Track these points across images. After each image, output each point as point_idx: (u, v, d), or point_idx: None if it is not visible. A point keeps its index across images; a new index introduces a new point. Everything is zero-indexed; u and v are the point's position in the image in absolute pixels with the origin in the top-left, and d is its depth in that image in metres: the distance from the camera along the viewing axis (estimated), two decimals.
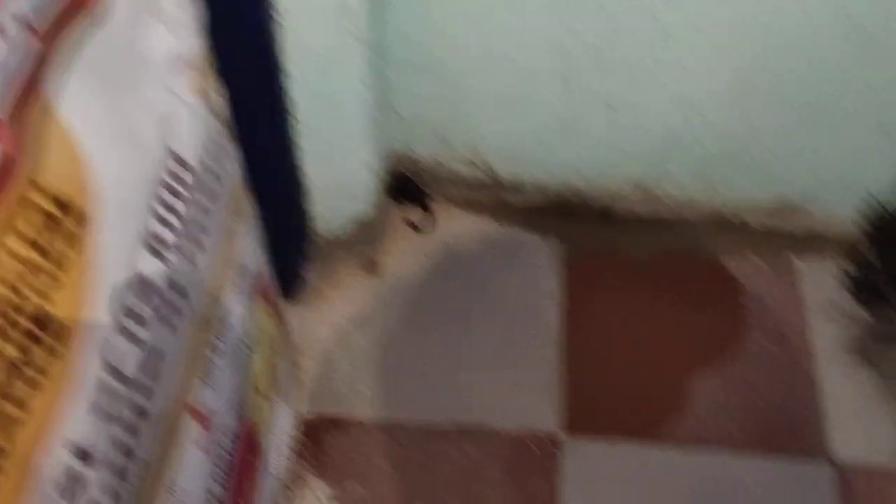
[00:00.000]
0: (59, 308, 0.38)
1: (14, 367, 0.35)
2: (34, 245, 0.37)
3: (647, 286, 1.13)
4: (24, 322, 0.36)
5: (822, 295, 1.12)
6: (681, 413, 1.02)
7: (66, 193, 0.39)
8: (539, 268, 1.14)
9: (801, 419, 1.02)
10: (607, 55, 0.93)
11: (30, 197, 0.36)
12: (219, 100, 0.61)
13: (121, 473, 0.48)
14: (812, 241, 1.17)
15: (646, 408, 1.03)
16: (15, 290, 0.35)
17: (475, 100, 1.01)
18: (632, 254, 1.16)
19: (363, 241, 1.08)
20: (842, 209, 1.11)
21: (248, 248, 0.76)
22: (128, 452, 0.49)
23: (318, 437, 0.99)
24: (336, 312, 1.08)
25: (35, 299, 0.36)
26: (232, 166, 0.66)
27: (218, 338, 0.68)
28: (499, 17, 0.89)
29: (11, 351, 0.35)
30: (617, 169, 1.10)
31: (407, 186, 1.15)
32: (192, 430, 0.63)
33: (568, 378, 1.04)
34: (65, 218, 0.39)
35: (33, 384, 0.37)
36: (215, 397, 0.67)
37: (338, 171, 0.94)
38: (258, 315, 0.82)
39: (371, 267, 1.11)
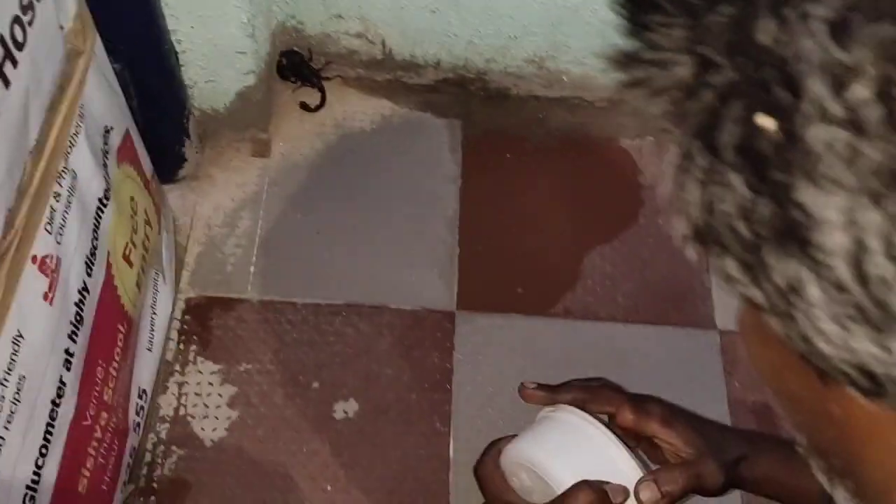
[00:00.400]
0: None
1: None
2: None
3: (544, 166, 1.11)
4: None
5: None
6: (573, 287, 1.03)
7: None
8: (436, 149, 1.11)
9: (688, 291, 1.04)
10: None
11: None
12: None
13: None
14: None
15: (539, 283, 1.03)
16: None
17: None
18: (530, 134, 1.14)
19: (251, 119, 1.03)
20: None
21: (98, 100, 0.70)
22: None
23: (203, 317, 0.95)
24: (222, 193, 1.03)
25: None
26: None
27: (63, 187, 0.63)
28: None
29: None
30: (515, 43, 1.07)
31: (297, 63, 1.09)
32: (33, 278, 0.58)
33: (463, 256, 1.03)
34: None
35: None
36: (59, 248, 0.62)
37: (211, 34, 0.87)
38: (120, 179, 0.76)
39: (260, 147, 1.06)
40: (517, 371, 0.96)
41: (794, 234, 0.22)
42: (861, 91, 0.21)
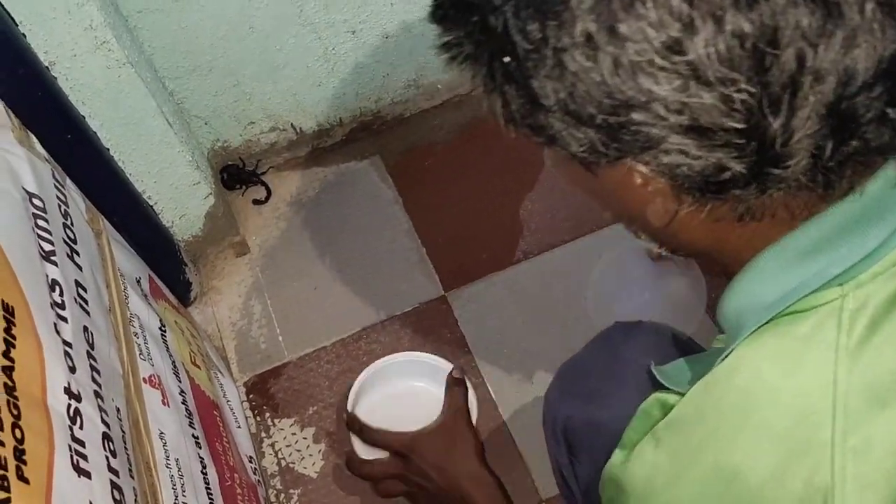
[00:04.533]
0: (3, 294, 0.55)
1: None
2: None
3: (457, 158, 1.35)
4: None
5: None
6: (522, 234, 1.27)
7: None
8: (371, 185, 1.34)
9: None
10: None
11: None
12: (40, 147, 0.76)
13: (104, 413, 0.65)
14: None
15: (496, 243, 1.26)
16: None
17: (248, 76, 1.18)
18: (435, 139, 1.38)
19: (223, 231, 1.24)
20: None
21: (124, 260, 0.91)
22: (99, 396, 0.65)
23: (262, 390, 1.16)
24: (229, 295, 1.25)
25: None
26: (73, 194, 0.81)
27: (136, 328, 0.84)
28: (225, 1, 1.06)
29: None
30: (390, 79, 1.31)
31: (235, 172, 1.31)
32: (150, 392, 0.79)
33: (430, 252, 1.26)
34: None
35: (11, 345, 0.54)
36: (155, 367, 0.84)
37: (170, 182, 1.09)
38: (161, 311, 0.97)
39: (239, 248, 1.28)
40: (512, 313, 1.19)
41: (537, 102, 0.41)
42: None
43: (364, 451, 0.84)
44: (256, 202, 1.32)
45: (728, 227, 0.45)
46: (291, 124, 1.30)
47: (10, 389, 0.51)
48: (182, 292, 1.19)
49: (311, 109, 1.30)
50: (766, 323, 0.44)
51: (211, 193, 1.17)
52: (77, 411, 0.59)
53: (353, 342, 1.19)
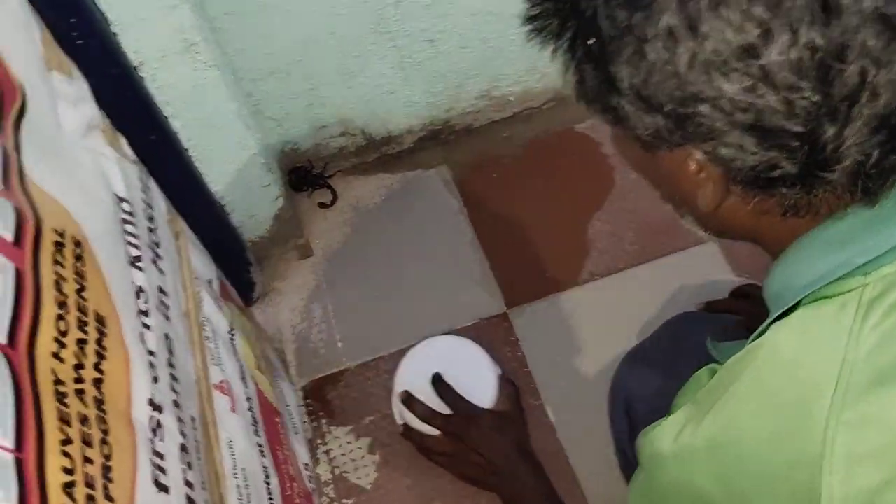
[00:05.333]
0: (96, 305, 0.55)
1: (87, 346, 0.52)
2: (59, 263, 0.53)
3: (525, 172, 1.33)
4: (92, 321, 0.52)
5: None
6: (588, 254, 1.24)
7: (62, 227, 0.55)
8: (437, 194, 1.33)
9: (676, 220, 1.25)
10: (408, 0, 1.11)
11: (43, 233, 0.52)
12: (128, 149, 0.77)
13: (182, 424, 0.65)
14: None
15: (561, 262, 1.24)
16: (70, 295, 0.51)
17: (324, 81, 1.18)
18: (503, 152, 1.36)
19: (289, 232, 1.25)
20: None
21: (198, 261, 0.92)
22: (178, 405, 0.65)
23: (320, 396, 1.16)
24: (291, 298, 1.25)
25: (82, 301, 0.53)
26: (156, 196, 0.82)
27: (208, 331, 0.85)
28: (308, 4, 1.06)
29: (91, 339, 0.51)
30: (463, 89, 1.29)
31: (304, 175, 1.31)
32: (220, 399, 0.79)
33: (494, 266, 1.24)
34: (67, 243, 0.55)
35: (102, 357, 0.54)
36: (225, 373, 0.84)
37: (243, 183, 1.10)
38: (230, 313, 0.98)
39: (303, 251, 1.28)
40: (575, 335, 1.17)
41: (613, 85, 0.46)
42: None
43: (417, 423, 0.94)
44: (322, 205, 1.32)
45: (771, 219, 0.49)
46: (362, 130, 1.30)
47: (99, 403, 0.51)
48: (246, 292, 1.19)
49: (383, 116, 1.29)
50: (797, 304, 0.48)
51: (281, 195, 1.18)
52: (158, 423, 0.59)
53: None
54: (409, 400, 0.90)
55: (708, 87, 0.42)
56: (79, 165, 0.64)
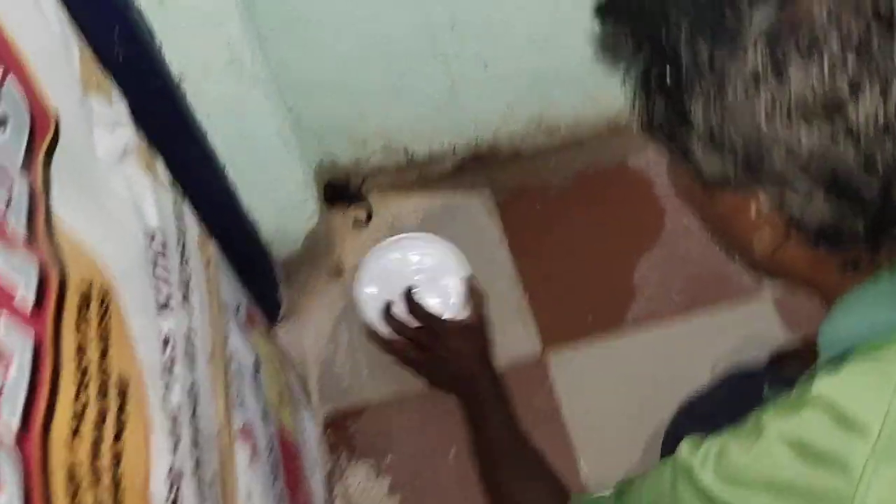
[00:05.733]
0: (120, 369, 0.49)
1: (107, 418, 0.46)
2: (84, 322, 0.47)
3: (571, 205, 1.27)
4: (113, 389, 0.47)
5: None
6: (634, 299, 1.17)
7: (88, 280, 0.49)
8: (476, 220, 1.27)
9: (728, 270, 1.18)
10: (464, 23, 1.04)
11: (68, 290, 0.47)
12: (162, 169, 0.71)
13: (201, 484, 0.59)
14: None
15: (603, 306, 1.17)
16: (93, 362, 0.46)
17: (370, 98, 1.12)
18: (549, 181, 1.29)
19: (321, 250, 1.19)
20: None
21: (226, 288, 0.86)
22: (198, 466, 0.60)
23: (341, 428, 1.11)
24: (317, 319, 1.19)
25: (105, 366, 0.47)
26: (189, 221, 0.77)
27: (233, 369, 0.79)
28: (360, 17, 1.00)
29: (111, 411, 0.46)
30: (513, 112, 1.23)
31: (340, 190, 1.26)
32: (241, 449, 0.74)
33: (532, 304, 1.18)
34: (94, 297, 0.50)
35: (121, 429, 0.48)
36: (247, 415, 0.78)
37: (277, 200, 1.04)
38: (255, 341, 0.92)
39: (334, 270, 1.23)
40: (613, 385, 1.11)
41: (685, 119, 0.44)
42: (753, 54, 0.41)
43: (380, 326, 0.94)
44: (357, 223, 1.26)
45: (828, 268, 0.48)
46: (404, 148, 1.24)
47: (116, 486, 0.45)
48: (271, 312, 1.14)
49: (426, 135, 1.23)
50: (850, 350, 0.47)
51: (315, 212, 1.12)
52: (177, 494, 0.54)
53: (441, 394, 1.12)
54: (386, 313, 0.94)
55: (786, 134, 0.41)
56: (111, 198, 0.58)
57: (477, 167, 1.30)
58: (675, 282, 1.18)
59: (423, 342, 0.92)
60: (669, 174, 0.54)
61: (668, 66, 0.44)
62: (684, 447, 0.53)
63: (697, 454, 0.51)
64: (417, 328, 0.93)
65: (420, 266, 1.00)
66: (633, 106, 0.49)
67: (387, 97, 1.13)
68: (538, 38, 1.10)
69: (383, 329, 0.95)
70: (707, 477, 0.49)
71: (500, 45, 1.09)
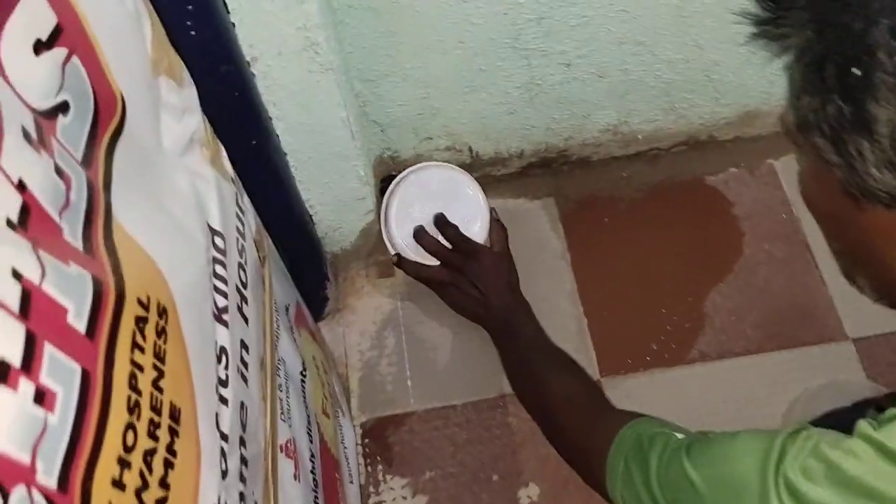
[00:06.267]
0: (174, 395, 0.43)
1: (155, 456, 0.41)
2: (138, 347, 0.42)
3: (641, 220, 1.19)
4: (165, 420, 0.41)
5: None
6: (702, 330, 1.09)
7: (146, 294, 0.44)
8: (538, 230, 1.20)
9: (812, 308, 1.09)
10: (553, 18, 0.97)
11: (125, 308, 0.41)
12: (227, 163, 0.66)
13: None
14: (781, 141, 1.23)
15: (668, 334, 1.09)
16: (145, 392, 0.40)
17: (441, 91, 1.05)
18: (619, 193, 1.21)
19: (373, 247, 1.13)
20: None
21: (278, 286, 0.81)
22: (242, 497, 0.54)
23: (380, 437, 1.05)
24: (363, 319, 1.14)
25: (158, 395, 0.41)
26: (249, 218, 0.71)
27: (281, 378, 0.74)
28: (442, 8, 0.93)
29: (161, 446, 0.40)
30: (589, 120, 1.15)
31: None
32: (285, 465, 0.69)
33: (592, 325, 1.11)
34: (151, 316, 0.44)
35: (170, 465, 0.42)
36: (293, 428, 0.73)
37: (336, 193, 0.98)
38: (302, 343, 0.87)
39: (384, 268, 1.16)
40: (675, 421, 1.03)
41: (864, 125, 0.40)
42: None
43: (410, 253, 0.92)
44: None
45: None
46: (469, 146, 1.17)
47: None
48: (317, 307, 1.09)
49: (495, 135, 1.16)
50: None
51: (372, 209, 1.06)
52: None
53: (487, 409, 1.06)
54: (420, 232, 0.91)
55: None
56: (174, 196, 0.52)
57: (543, 172, 1.23)
58: (750, 315, 1.09)
59: (456, 263, 0.89)
60: (807, 178, 0.49)
61: (855, 64, 0.39)
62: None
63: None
64: (451, 250, 0.91)
65: (446, 193, 0.97)
66: (793, 101, 0.44)
67: (459, 92, 1.06)
68: (630, 43, 1.02)
69: (413, 253, 0.92)
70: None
71: (587, 46, 1.01)
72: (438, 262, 0.91)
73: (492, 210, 0.96)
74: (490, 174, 1.23)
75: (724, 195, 1.20)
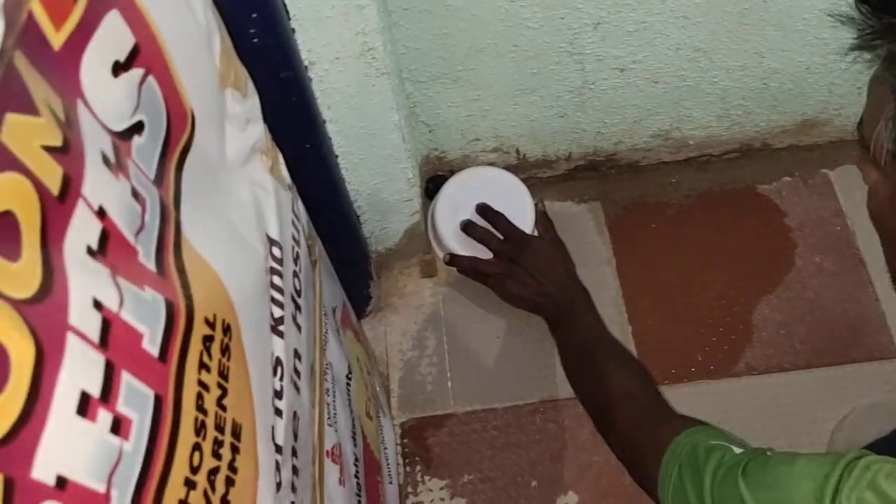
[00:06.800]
0: (235, 412, 0.44)
1: (218, 475, 0.41)
2: (205, 367, 0.42)
3: (689, 228, 1.17)
4: (228, 438, 0.41)
5: (859, 199, 1.15)
6: (750, 342, 1.07)
7: (212, 312, 0.44)
8: (584, 234, 1.18)
9: (863, 324, 1.07)
10: (611, 23, 0.95)
11: (194, 329, 0.41)
12: (285, 170, 0.66)
13: None
14: (838, 150, 1.20)
15: (714, 345, 1.08)
16: (210, 412, 0.40)
17: (492, 93, 1.04)
18: (668, 199, 1.19)
19: (417, 247, 1.13)
20: (859, 112, 1.13)
21: (327, 289, 0.81)
22: (293, 491, 0.55)
23: (419, 437, 1.05)
24: (405, 318, 1.14)
25: (222, 413, 0.42)
26: (303, 223, 0.71)
27: (329, 382, 0.74)
28: (498, 11, 0.92)
29: (224, 464, 0.41)
30: (640, 125, 1.13)
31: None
32: (331, 471, 0.69)
33: (637, 333, 1.10)
34: (217, 334, 0.44)
35: (231, 483, 0.43)
36: (339, 433, 0.73)
37: (384, 195, 0.98)
38: (347, 345, 0.87)
39: (427, 268, 1.16)
40: None
41: None
42: None
43: (460, 249, 0.94)
44: None
45: None
46: (517, 148, 1.16)
47: None
48: (361, 306, 1.09)
49: (543, 138, 1.14)
50: None
51: (418, 211, 1.06)
52: None
53: (528, 414, 1.05)
54: (469, 225, 0.91)
55: None
56: (236, 207, 0.53)
57: (590, 176, 1.22)
58: (800, 328, 1.07)
59: (509, 254, 0.88)
60: (883, 198, 0.49)
61: None
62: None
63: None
64: (501, 241, 0.90)
65: (491, 190, 0.99)
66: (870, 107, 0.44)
67: (511, 95, 1.05)
68: (687, 49, 0.99)
69: (462, 249, 0.93)
70: None
71: (643, 51, 0.99)
72: (490, 256, 0.90)
73: (536, 203, 0.97)
74: (536, 176, 1.21)
75: (776, 204, 1.17)
